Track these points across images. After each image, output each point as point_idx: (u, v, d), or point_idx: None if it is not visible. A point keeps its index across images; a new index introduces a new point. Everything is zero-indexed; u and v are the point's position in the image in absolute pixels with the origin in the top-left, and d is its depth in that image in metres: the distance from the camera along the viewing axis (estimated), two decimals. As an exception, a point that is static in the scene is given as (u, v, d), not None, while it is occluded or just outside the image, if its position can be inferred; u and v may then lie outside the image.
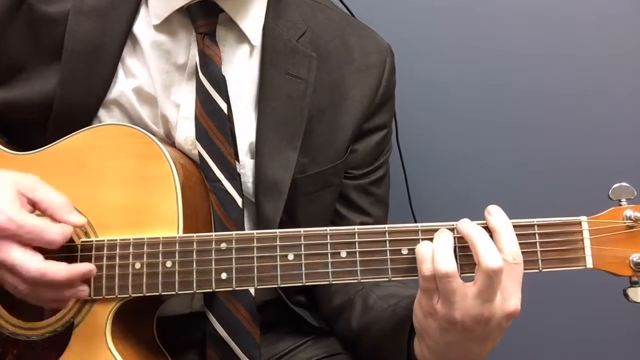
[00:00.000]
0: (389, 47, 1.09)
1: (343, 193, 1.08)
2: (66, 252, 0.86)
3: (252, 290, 0.95)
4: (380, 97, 1.07)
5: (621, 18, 1.30)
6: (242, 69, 1.00)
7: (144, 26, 0.98)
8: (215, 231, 0.93)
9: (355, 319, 0.99)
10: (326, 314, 1.08)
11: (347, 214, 1.08)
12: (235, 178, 0.96)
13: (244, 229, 0.96)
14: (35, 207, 0.83)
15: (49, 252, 0.82)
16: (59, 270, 0.81)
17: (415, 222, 1.25)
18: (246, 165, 0.99)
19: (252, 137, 0.99)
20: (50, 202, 0.83)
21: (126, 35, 0.97)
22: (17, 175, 0.84)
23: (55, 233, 0.81)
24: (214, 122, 0.95)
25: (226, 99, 0.96)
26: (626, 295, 0.83)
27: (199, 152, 0.95)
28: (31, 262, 0.79)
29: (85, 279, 0.85)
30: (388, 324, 0.92)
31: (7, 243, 0.79)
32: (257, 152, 0.98)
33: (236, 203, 0.95)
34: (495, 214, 0.82)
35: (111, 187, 0.89)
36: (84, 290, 0.85)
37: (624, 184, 0.85)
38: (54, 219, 0.83)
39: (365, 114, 1.05)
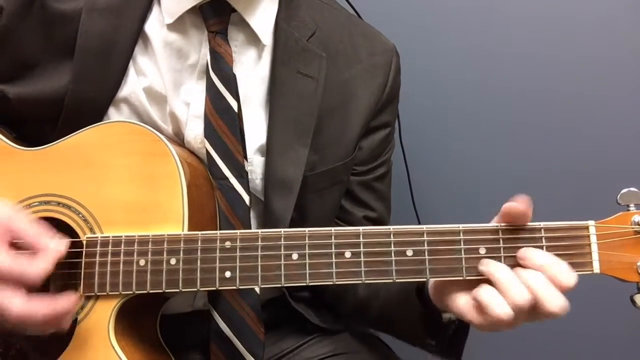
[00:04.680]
0: (394, 47, 1.11)
1: (348, 188, 1.09)
2: (71, 247, 0.86)
3: (256, 288, 0.95)
4: (387, 96, 1.08)
5: (621, 18, 1.29)
6: (252, 69, 1.01)
7: (156, 25, 0.98)
8: (221, 229, 0.93)
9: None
10: (351, 306, 1.07)
11: (351, 208, 1.10)
12: (242, 176, 0.96)
13: (250, 227, 0.96)
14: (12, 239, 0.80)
15: None
16: (38, 311, 0.78)
17: (419, 221, 1.26)
18: (255, 163, 0.99)
19: (262, 137, 1.00)
20: (25, 233, 0.80)
21: (138, 33, 0.97)
22: None
23: (34, 275, 0.78)
24: (223, 120, 0.95)
25: (236, 97, 0.96)
26: (633, 302, 0.83)
27: (206, 149, 0.96)
28: (12, 304, 0.77)
29: (87, 280, 0.85)
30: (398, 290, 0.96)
31: None
32: (268, 150, 0.99)
33: (243, 201, 0.95)
34: (532, 256, 0.81)
35: (118, 184, 0.89)
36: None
37: (632, 189, 0.84)
38: (34, 249, 0.80)
39: (372, 111, 1.07)
